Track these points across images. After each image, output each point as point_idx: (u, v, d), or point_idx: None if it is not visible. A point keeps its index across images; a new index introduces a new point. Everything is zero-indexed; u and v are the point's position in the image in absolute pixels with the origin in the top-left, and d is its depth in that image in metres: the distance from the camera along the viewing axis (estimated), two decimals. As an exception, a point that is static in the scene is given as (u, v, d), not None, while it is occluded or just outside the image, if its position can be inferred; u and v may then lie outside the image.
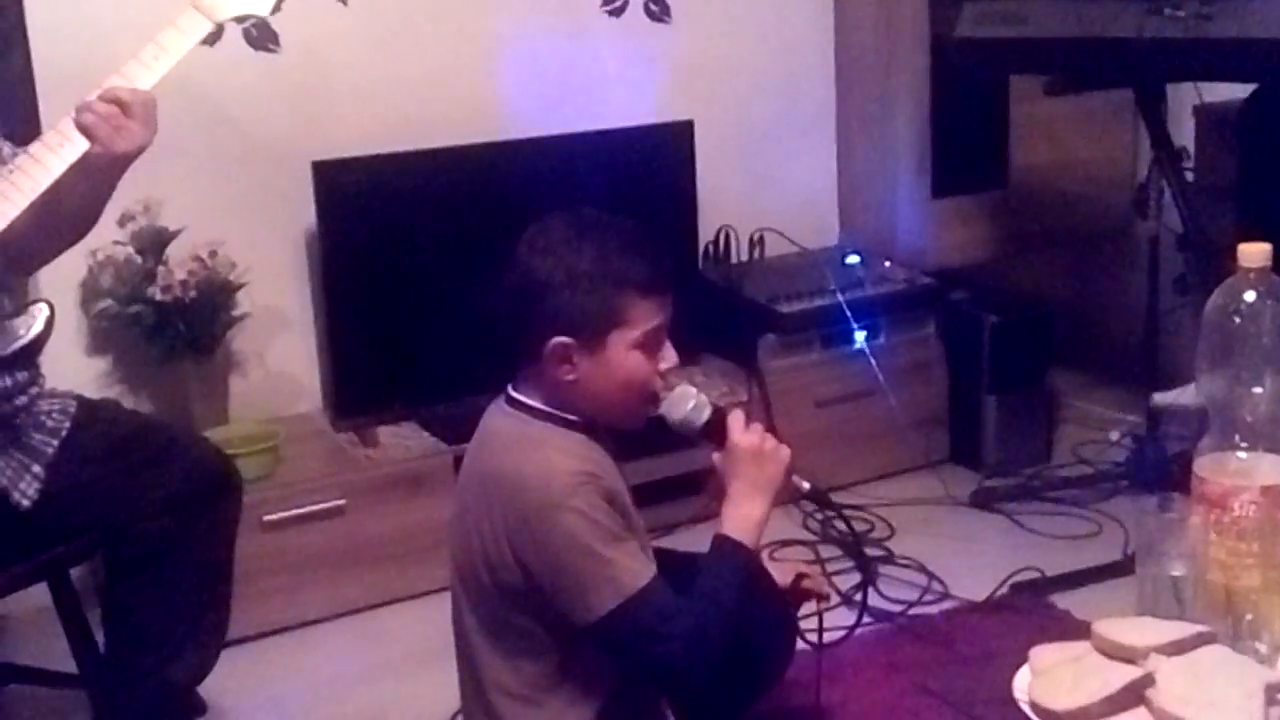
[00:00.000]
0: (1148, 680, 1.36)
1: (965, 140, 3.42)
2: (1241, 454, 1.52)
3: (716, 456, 1.79)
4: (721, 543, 1.73)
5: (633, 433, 1.81)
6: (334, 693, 2.50)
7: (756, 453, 1.76)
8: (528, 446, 1.72)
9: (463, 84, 3.17)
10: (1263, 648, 1.44)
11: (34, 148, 1.92)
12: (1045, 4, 2.55)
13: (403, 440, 2.91)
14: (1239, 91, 2.81)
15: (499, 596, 1.71)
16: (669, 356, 1.76)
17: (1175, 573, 1.55)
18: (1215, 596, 1.50)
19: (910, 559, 2.85)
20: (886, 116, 3.49)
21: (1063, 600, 2.63)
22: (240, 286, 2.88)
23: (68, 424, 2.03)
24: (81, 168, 1.92)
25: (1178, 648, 1.40)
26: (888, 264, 3.42)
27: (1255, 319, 1.51)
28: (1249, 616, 1.47)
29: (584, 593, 1.63)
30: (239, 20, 2.10)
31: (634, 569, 1.64)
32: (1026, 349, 3.31)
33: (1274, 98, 2.63)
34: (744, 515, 1.74)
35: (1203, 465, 1.53)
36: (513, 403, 1.77)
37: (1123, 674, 1.37)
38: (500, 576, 1.69)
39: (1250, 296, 1.51)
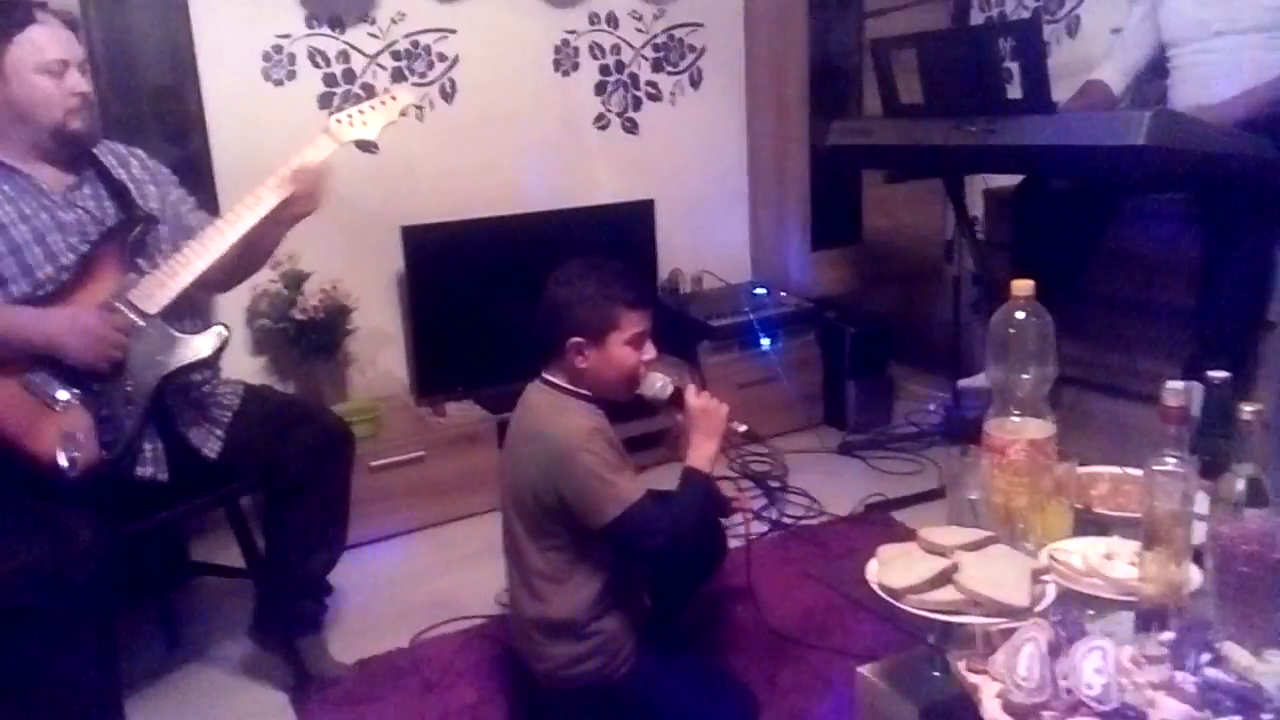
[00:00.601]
0: (955, 568, 1.36)
1: (833, 212, 3.42)
2: (1015, 418, 1.53)
3: (680, 417, 1.81)
4: (689, 472, 1.75)
5: (621, 404, 1.81)
6: (418, 580, 2.50)
7: (705, 410, 1.78)
8: (557, 412, 1.74)
9: (501, 174, 3.16)
10: (1030, 545, 1.45)
11: (235, 207, 1.92)
12: (885, 122, 2.55)
13: (463, 412, 2.91)
14: (1013, 180, 2.82)
15: (539, 510, 1.72)
16: (650, 351, 1.78)
17: (972, 497, 1.55)
18: (998, 513, 1.50)
19: (799, 489, 2.85)
20: (782, 196, 3.50)
21: (899, 515, 2.65)
22: (353, 310, 2.86)
23: (238, 401, 2.03)
24: (272, 219, 1.93)
25: (974, 546, 1.41)
26: (783, 294, 3.42)
27: (1023, 330, 1.52)
28: (1020, 525, 1.48)
29: (598, 505, 1.65)
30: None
31: (631, 489, 1.67)
32: (874, 350, 3.32)
33: (1036, 184, 2.64)
34: (701, 453, 1.76)
35: (990, 425, 1.54)
36: (546, 383, 1.79)
37: (939, 563, 1.37)
38: (540, 498, 1.71)
39: (1020, 315, 1.52)
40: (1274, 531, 1.20)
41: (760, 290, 3.44)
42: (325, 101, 2.87)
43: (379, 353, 3.06)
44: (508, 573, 1.85)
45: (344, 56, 2.90)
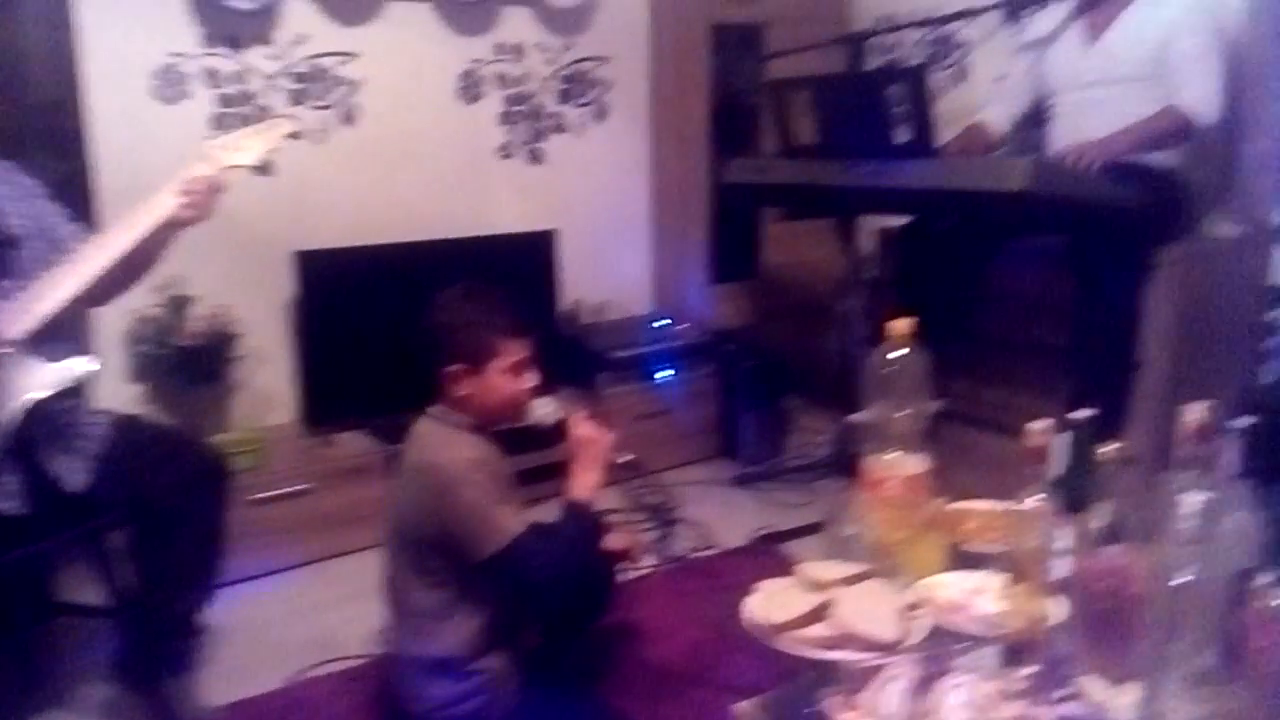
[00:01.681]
0: (830, 603, 1.36)
1: (732, 247, 3.46)
2: (892, 455, 1.55)
3: (565, 446, 1.78)
4: (569, 503, 1.73)
5: (514, 435, 1.78)
6: (300, 618, 2.41)
7: (588, 439, 1.77)
8: (440, 444, 1.71)
9: (401, 200, 3.10)
10: (903, 580, 1.46)
11: (128, 218, 1.84)
12: (781, 162, 2.60)
13: (351, 442, 2.81)
14: (901, 220, 2.88)
15: (422, 545, 1.69)
16: (532, 378, 1.76)
17: (850, 532, 1.55)
18: (874, 547, 1.52)
19: (693, 520, 2.84)
20: (683, 231, 3.52)
21: (788, 547, 2.65)
22: (238, 336, 2.77)
23: (105, 431, 1.92)
24: (165, 227, 1.84)
25: (850, 581, 1.41)
26: (684, 326, 3.42)
27: (900, 367, 1.55)
28: (895, 560, 1.50)
29: (478, 539, 1.62)
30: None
31: (512, 522, 1.64)
32: (770, 382, 3.33)
33: (922, 224, 2.71)
34: (583, 482, 1.75)
35: (868, 462, 1.56)
36: (431, 415, 1.76)
37: (814, 599, 1.37)
38: (423, 531, 1.67)
39: (897, 353, 1.56)
40: (1130, 567, 1.23)
41: (661, 322, 3.43)
42: (219, 122, 2.78)
43: (267, 381, 2.95)
44: (387, 611, 1.79)
45: (240, 77, 2.82)
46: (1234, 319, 2.54)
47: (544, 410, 1.79)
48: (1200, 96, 2.38)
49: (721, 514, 2.89)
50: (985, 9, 2.73)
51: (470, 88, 3.21)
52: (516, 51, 3.28)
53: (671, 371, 3.26)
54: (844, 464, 2.91)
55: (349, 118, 3.00)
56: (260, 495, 2.55)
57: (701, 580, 2.48)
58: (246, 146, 1.97)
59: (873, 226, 3.17)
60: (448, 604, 1.70)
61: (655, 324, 3.43)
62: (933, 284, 2.62)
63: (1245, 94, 2.49)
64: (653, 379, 3.25)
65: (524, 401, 1.76)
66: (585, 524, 1.72)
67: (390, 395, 2.80)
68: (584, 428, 1.77)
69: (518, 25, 3.27)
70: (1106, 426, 2.34)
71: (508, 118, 3.30)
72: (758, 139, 3.39)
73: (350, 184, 3.02)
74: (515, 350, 1.73)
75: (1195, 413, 1.26)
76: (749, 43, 3.40)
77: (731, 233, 3.44)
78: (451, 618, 1.70)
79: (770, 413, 3.34)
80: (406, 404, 1.88)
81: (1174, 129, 2.41)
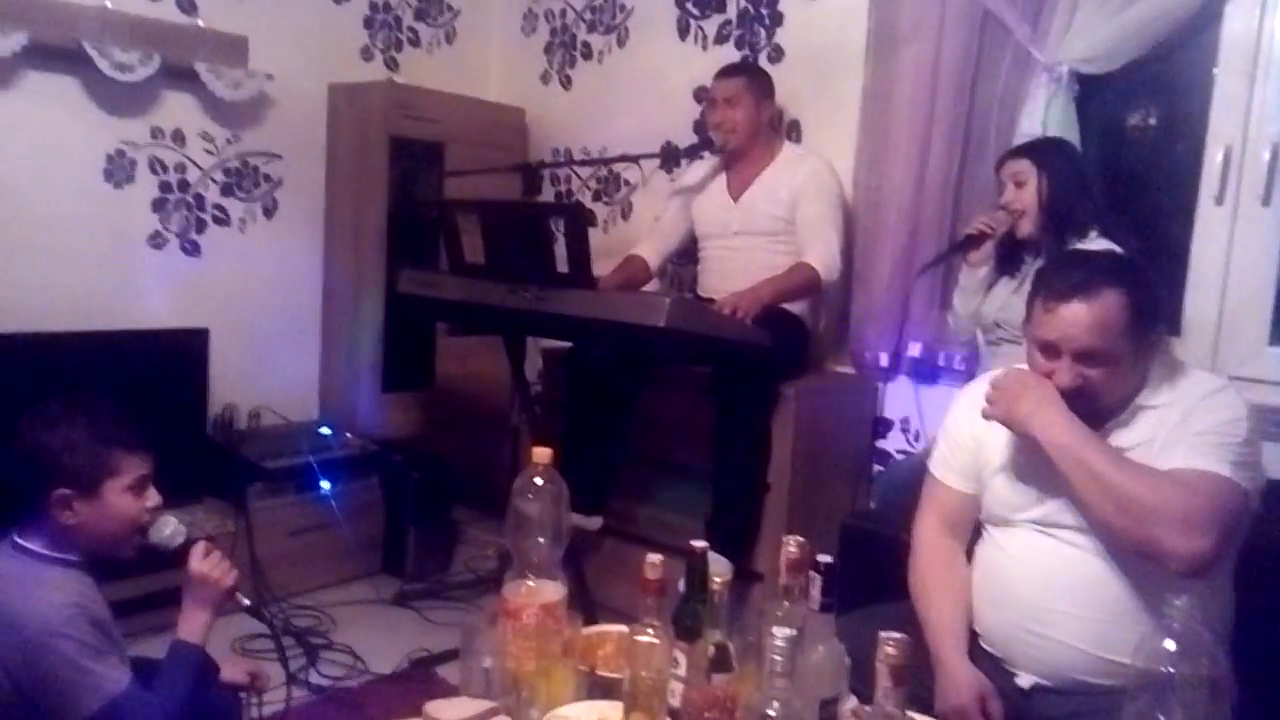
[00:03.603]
0: (452, 747, 1.32)
1: (406, 355, 3.41)
2: (531, 582, 1.53)
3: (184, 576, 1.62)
4: (176, 645, 1.56)
5: (126, 559, 1.59)
6: None
7: (203, 577, 1.60)
8: (26, 585, 1.47)
9: (25, 284, 2.78)
10: (535, 713, 1.45)
11: None
12: (450, 278, 2.61)
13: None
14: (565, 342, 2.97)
15: (-8, 708, 1.43)
16: (153, 496, 1.59)
17: (486, 664, 1.52)
18: (508, 679, 1.48)
19: (344, 645, 2.67)
20: (355, 336, 3.41)
21: (443, 670, 2.55)
22: None
23: None
24: None
25: (476, 720, 1.37)
26: (349, 435, 3.28)
27: (540, 495, 1.56)
28: (528, 692, 1.47)
29: (75, 699, 1.42)
30: None
31: (115, 677, 1.45)
32: (438, 494, 3.27)
33: (583, 351, 2.81)
34: (191, 623, 1.58)
35: (507, 588, 1.53)
36: (16, 548, 1.52)
37: (436, 744, 1.31)
38: (-7, 692, 1.42)
39: (539, 481, 1.56)
40: (734, 697, 1.30)
41: (325, 430, 3.27)
42: None
43: None
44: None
45: None
46: (848, 447, 2.86)
47: (165, 530, 1.61)
48: (824, 257, 2.71)
49: (377, 636, 2.75)
50: (642, 156, 3.00)
51: (119, 170, 2.97)
52: (176, 137, 3.08)
53: (334, 483, 3.09)
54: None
55: (-36, 189, 2.66)
56: None
57: (345, 713, 2.33)
58: None
59: (541, 346, 3.27)
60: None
61: (319, 432, 3.26)
62: (593, 405, 2.72)
63: (854, 254, 2.87)
64: (313, 491, 3.06)
65: (145, 523, 1.59)
66: (192, 666, 1.56)
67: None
68: (204, 564, 1.61)
69: (179, 111, 3.08)
70: (740, 546, 2.53)
71: (161, 205, 3.08)
72: (438, 251, 3.38)
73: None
74: (137, 466, 1.55)
75: (791, 545, 1.38)
76: (433, 157, 3.43)
77: (406, 341, 3.38)
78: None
79: (437, 526, 3.26)
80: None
81: (807, 282, 2.71)
